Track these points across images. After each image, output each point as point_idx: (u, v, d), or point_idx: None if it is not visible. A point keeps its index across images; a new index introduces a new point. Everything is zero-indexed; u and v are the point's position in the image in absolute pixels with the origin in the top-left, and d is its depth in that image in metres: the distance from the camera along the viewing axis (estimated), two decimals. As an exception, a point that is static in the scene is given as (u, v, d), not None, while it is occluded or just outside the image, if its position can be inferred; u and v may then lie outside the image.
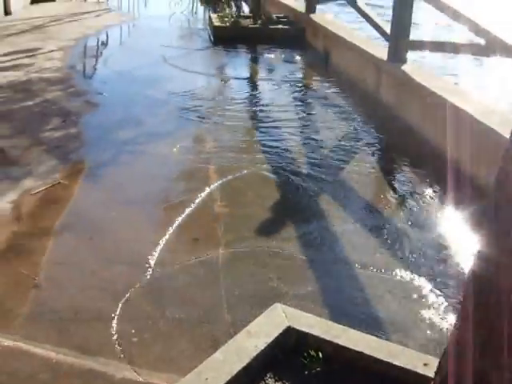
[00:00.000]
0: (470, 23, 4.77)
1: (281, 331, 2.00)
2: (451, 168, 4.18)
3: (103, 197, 3.76)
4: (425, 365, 1.87)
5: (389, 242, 3.26)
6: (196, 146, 4.71)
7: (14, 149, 4.44)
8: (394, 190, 4.03)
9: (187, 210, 3.54)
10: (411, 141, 4.91)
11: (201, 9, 14.58)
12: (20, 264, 2.93)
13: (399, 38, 5.81)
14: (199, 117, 5.36)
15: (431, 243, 3.26)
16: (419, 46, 6.09)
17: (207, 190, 3.83)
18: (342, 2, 8.58)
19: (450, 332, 1.71)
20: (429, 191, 3.96)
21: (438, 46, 5.73)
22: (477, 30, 4.71)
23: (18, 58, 7.55)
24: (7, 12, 11.42)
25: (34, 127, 4.94)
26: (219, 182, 3.97)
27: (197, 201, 3.66)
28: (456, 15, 5.01)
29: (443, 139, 4.45)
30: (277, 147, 4.66)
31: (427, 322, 2.59)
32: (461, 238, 3.34)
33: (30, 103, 5.61)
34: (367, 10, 7.21)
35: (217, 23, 9.52)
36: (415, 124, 5.03)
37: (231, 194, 3.86)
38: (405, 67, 5.64)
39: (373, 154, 4.66)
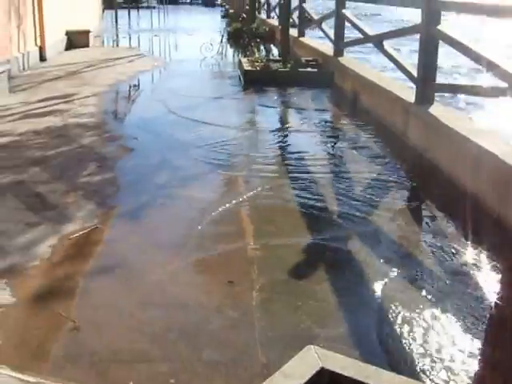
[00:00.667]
0: (494, 67, 4.86)
1: (314, 372, 2.06)
2: (479, 209, 4.24)
3: (139, 240, 3.88)
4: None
5: (419, 285, 3.30)
6: (228, 191, 4.81)
7: (52, 194, 4.61)
8: (424, 232, 4.08)
9: (221, 253, 3.65)
10: (439, 182, 4.98)
11: (231, 52, 14.96)
12: (59, 306, 3.03)
13: (426, 81, 5.95)
14: (231, 163, 5.49)
15: (463, 289, 3.29)
16: (445, 88, 6.21)
17: (240, 234, 3.94)
18: (369, 45, 8.77)
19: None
20: (457, 234, 4.00)
21: (464, 89, 5.83)
22: (500, 73, 4.80)
23: (54, 104, 7.85)
24: (43, 58, 11.87)
25: (71, 172, 5.13)
26: (252, 227, 4.07)
27: (230, 244, 3.76)
28: (479, 58, 5.12)
29: (471, 180, 4.53)
30: (306, 188, 4.76)
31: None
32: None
33: (67, 148, 5.83)
34: (394, 53, 7.38)
35: (247, 67, 9.78)
36: (443, 165, 5.09)
37: (263, 236, 3.95)
38: (432, 109, 5.74)
39: (401, 195, 4.74)
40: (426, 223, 4.25)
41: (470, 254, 3.69)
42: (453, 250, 3.72)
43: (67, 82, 9.61)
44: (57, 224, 4.04)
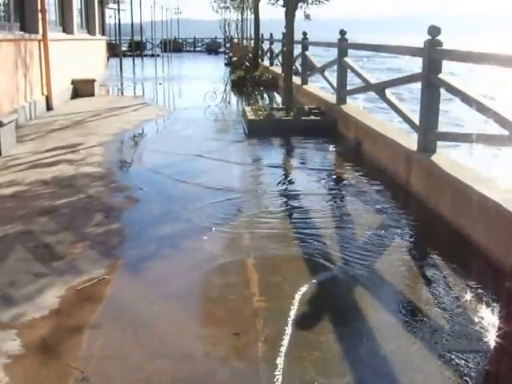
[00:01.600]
0: (495, 115, 4.99)
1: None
2: (483, 258, 4.31)
3: (146, 291, 3.95)
4: None
5: (424, 337, 3.35)
6: (233, 239, 4.89)
7: (59, 244, 4.69)
8: (428, 283, 4.13)
9: (226, 304, 3.72)
10: (442, 231, 5.07)
11: (234, 100, 15.24)
12: (68, 357, 3.09)
13: (428, 129, 6.08)
14: (235, 211, 5.59)
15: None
16: (448, 136, 6.32)
17: (245, 284, 4.01)
18: (371, 93, 8.95)
19: None
20: (462, 284, 4.05)
21: (466, 137, 5.94)
22: (502, 121, 4.92)
23: (61, 154, 8.02)
24: (49, 107, 12.15)
25: (78, 222, 5.23)
26: (257, 277, 4.15)
27: (235, 295, 3.84)
28: (480, 107, 5.25)
29: (474, 228, 4.61)
30: (309, 237, 4.83)
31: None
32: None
33: (74, 198, 5.94)
34: (395, 100, 7.55)
35: (251, 116, 9.97)
36: (446, 214, 5.18)
37: (269, 287, 4.02)
38: (434, 157, 5.86)
39: (404, 246, 4.80)
40: (430, 274, 4.30)
41: (472, 302, 3.74)
42: (458, 303, 3.77)
43: (73, 132, 9.81)
44: (64, 275, 4.11)
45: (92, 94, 15.22)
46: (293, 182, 6.85)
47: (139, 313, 3.62)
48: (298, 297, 3.78)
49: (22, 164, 7.38)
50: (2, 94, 9.58)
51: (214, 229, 5.05)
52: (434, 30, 6.01)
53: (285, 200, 6.03)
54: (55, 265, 4.29)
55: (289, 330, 3.37)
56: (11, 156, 7.75)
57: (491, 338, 3.30)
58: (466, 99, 5.52)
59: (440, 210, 5.31)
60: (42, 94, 11.99)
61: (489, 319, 3.52)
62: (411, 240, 4.95)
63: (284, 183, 6.72)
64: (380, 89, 7.99)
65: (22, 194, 6.09)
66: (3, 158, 7.62)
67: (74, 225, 5.16)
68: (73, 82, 14.89)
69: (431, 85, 6.04)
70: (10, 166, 7.28)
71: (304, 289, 3.90)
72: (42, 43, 11.90)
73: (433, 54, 6.00)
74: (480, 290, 3.88)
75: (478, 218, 4.59)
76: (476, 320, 3.51)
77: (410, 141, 6.60)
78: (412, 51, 7.14)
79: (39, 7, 11.73)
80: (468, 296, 3.83)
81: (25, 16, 11.58)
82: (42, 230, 4.99)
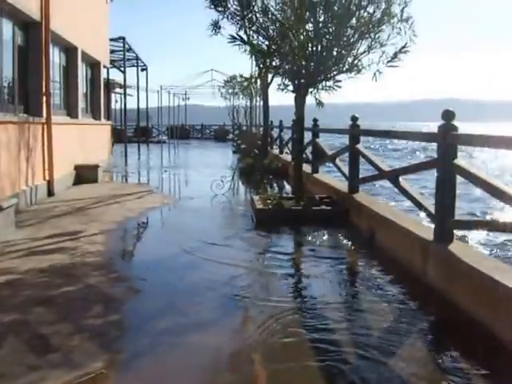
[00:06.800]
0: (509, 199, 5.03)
1: None
2: (506, 353, 4.23)
3: (145, 388, 3.88)
4: None
5: None
6: (238, 336, 4.82)
7: (55, 335, 4.65)
8: (447, 376, 4.04)
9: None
10: (461, 324, 4.99)
11: (242, 189, 15.40)
12: None
13: (444, 218, 6.10)
14: (241, 305, 5.54)
15: None
16: (465, 225, 6.35)
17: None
18: (384, 181, 9.05)
19: None
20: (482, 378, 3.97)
21: (484, 225, 5.96)
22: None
23: (60, 241, 8.07)
24: (51, 193, 12.32)
25: (76, 313, 5.20)
26: (264, 374, 4.08)
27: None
28: (494, 190, 5.30)
29: (498, 323, 4.54)
30: (322, 335, 4.76)
31: None
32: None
33: (73, 288, 5.93)
34: (410, 188, 7.62)
35: (259, 206, 10.03)
36: (465, 306, 5.12)
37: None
38: (451, 247, 5.86)
39: (422, 340, 4.72)
40: (448, 367, 4.21)
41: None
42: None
43: (74, 219, 9.89)
44: (59, 368, 4.05)
45: (95, 180, 15.45)
46: (303, 274, 6.80)
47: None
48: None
49: (19, 250, 7.41)
50: (3, 177, 9.79)
51: (218, 325, 5.00)
52: (448, 115, 6.15)
53: (293, 298, 5.92)
54: (50, 357, 4.24)
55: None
56: (9, 242, 7.81)
57: None
58: (485, 186, 5.55)
59: (459, 302, 5.25)
60: (44, 178, 12.19)
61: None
62: (427, 334, 4.87)
63: (293, 275, 6.68)
64: (393, 176, 8.09)
65: (18, 282, 6.09)
66: (0, 244, 7.66)
67: (72, 315, 5.13)
68: (76, 168, 15.16)
69: (447, 171, 6.10)
70: (6, 252, 7.32)
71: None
72: (45, 126, 12.24)
73: (448, 139, 6.11)
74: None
75: (502, 311, 4.54)
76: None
77: (425, 230, 6.62)
78: (427, 137, 7.28)
79: (44, 90, 12.17)
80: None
81: (29, 99, 11.98)
82: (37, 320, 4.96)
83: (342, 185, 11.12)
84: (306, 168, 13.80)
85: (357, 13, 9.60)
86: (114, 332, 4.79)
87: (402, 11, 9.53)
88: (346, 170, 10.82)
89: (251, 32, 10.80)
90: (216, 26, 11.13)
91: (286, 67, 10.53)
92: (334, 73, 10.14)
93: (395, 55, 9.69)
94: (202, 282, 6.30)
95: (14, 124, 10.42)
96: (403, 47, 9.63)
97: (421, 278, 6.21)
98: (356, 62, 9.97)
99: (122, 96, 28.82)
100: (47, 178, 12.33)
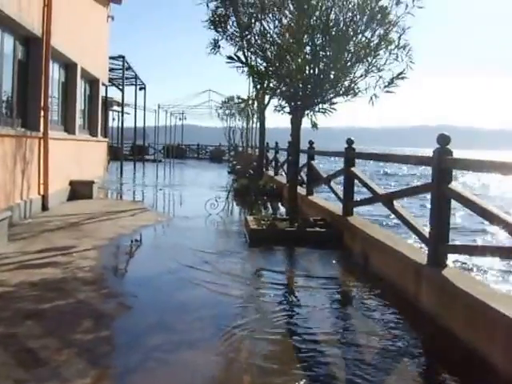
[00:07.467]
0: (507, 226, 5.02)
1: None
2: (500, 380, 4.20)
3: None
4: None
5: None
6: (229, 355, 4.78)
7: (44, 350, 4.60)
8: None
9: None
10: (455, 351, 4.95)
11: (237, 209, 15.38)
12: None
13: (438, 242, 6.09)
14: (231, 326, 5.46)
15: None
16: (459, 249, 6.34)
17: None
18: (378, 204, 9.05)
19: None
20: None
21: (479, 250, 5.95)
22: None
23: (52, 255, 8.04)
24: (45, 207, 12.30)
25: (66, 328, 5.14)
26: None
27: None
28: (491, 217, 5.29)
29: (490, 349, 4.51)
30: (313, 358, 4.73)
31: None
32: None
33: (63, 303, 5.89)
34: (404, 212, 7.61)
35: (253, 226, 10.02)
36: (458, 332, 5.09)
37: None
38: (445, 272, 5.83)
39: (416, 365, 4.68)
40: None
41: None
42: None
43: (67, 234, 9.86)
44: (48, 382, 4.01)
45: (90, 197, 15.42)
46: (295, 298, 6.73)
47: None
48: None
49: (10, 264, 7.37)
50: (-1, 189, 9.73)
51: (208, 343, 4.96)
52: (443, 139, 6.16)
53: (286, 319, 5.85)
54: (38, 371, 4.19)
55: None
56: (0, 255, 7.76)
57: None
58: (480, 211, 5.55)
59: (452, 327, 5.22)
60: (39, 193, 12.16)
61: None
62: (421, 359, 4.83)
63: (285, 299, 6.60)
64: (388, 200, 8.09)
65: (8, 295, 6.05)
66: (-8, 257, 7.62)
67: (61, 330, 5.08)
68: (71, 183, 15.14)
69: (441, 195, 6.11)
70: (-2, 265, 7.28)
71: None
72: (42, 141, 12.25)
73: (443, 163, 6.12)
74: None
75: (495, 337, 4.51)
76: None
77: (419, 254, 6.60)
78: (421, 161, 7.30)
79: (42, 105, 12.18)
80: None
81: (27, 113, 12.00)
82: (26, 334, 4.91)
83: (337, 207, 11.11)
84: (301, 190, 13.81)
85: (354, 37, 9.66)
86: (103, 347, 4.75)
87: (399, 38, 9.61)
88: (340, 192, 10.83)
89: (249, 53, 10.88)
90: (216, 45, 11.22)
91: (283, 89, 10.57)
92: (331, 95, 10.18)
93: (392, 81, 9.73)
94: (193, 300, 6.27)
95: (10, 137, 10.42)
96: (400, 73, 9.67)
97: (414, 302, 6.17)
98: (353, 85, 10.02)
99: (120, 114, 28.90)
100: (42, 192, 12.30)
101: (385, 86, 9.78)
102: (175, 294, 6.61)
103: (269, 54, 10.44)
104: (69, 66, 15.67)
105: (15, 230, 9.69)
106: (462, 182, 39.57)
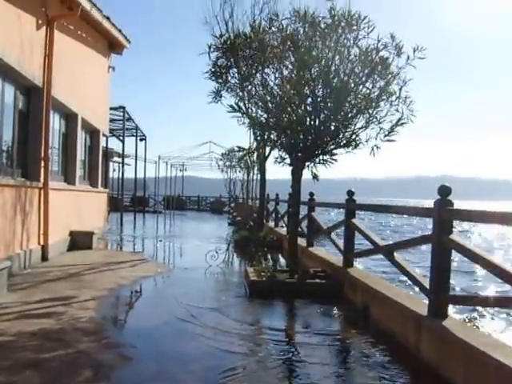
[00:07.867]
0: (502, 272, 5.04)
1: None
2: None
3: None
4: None
5: None
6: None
7: (42, 400, 4.58)
8: None
9: None
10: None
11: (237, 261, 15.38)
12: None
13: (439, 293, 6.10)
14: (232, 376, 5.45)
15: None
16: (460, 300, 6.34)
17: None
18: (379, 256, 9.07)
19: None
20: None
21: (478, 301, 5.96)
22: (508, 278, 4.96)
23: (52, 306, 8.02)
24: (45, 257, 12.29)
25: (65, 378, 5.13)
26: None
27: None
28: (487, 264, 5.32)
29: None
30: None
31: None
32: None
33: (62, 353, 5.86)
34: (404, 263, 7.63)
35: (253, 277, 10.02)
36: (459, 383, 5.06)
37: None
38: (446, 322, 5.83)
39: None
40: None
41: None
42: None
43: (67, 284, 9.84)
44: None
45: (90, 247, 15.42)
46: (295, 351, 6.67)
47: None
48: None
49: (9, 313, 7.35)
50: (-2, 239, 9.76)
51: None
52: (444, 190, 6.23)
53: (285, 373, 5.82)
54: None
55: None
56: (0, 304, 7.74)
57: None
58: (484, 263, 5.56)
59: (452, 378, 5.20)
60: (39, 243, 12.18)
61: None
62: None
63: (286, 353, 6.54)
64: (388, 251, 8.11)
65: (8, 345, 6.03)
66: (-9, 307, 7.61)
67: (61, 380, 5.07)
68: (71, 234, 15.16)
69: (442, 246, 6.14)
70: (-3, 315, 7.26)
71: None
72: (42, 191, 12.32)
73: (443, 214, 6.18)
74: None
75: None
76: None
77: (420, 305, 6.60)
78: (422, 212, 7.35)
79: (42, 155, 12.30)
80: None
81: (27, 163, 12.08)
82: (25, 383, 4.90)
83: (337, 259, 11.12)
84: (301, 242, 13.82)
85: (355, 88, 9.82)
86: (102, 398, 4.73)
87: (400, 90, 9.78)
88: (341, 244, 10.85)
89: (250, 104, 11.04)
90: (217, 94, 11.39)
91: (284, 140, 10.69)
92: (332, 147, 10.30)
93: (392, 129, 9.86)
94: (193, 351, 6.23)
95: (10, 187, 10.49)
96: (399, 119, 9.80)
97: (414, 353, 6.15)
98: (354, 136, 10.15)
99: (120, 165, 29.10)
100: (42, 242, 12.32)
101: (385, 135, 9.90)
102: (175, 344, 6.56)
103: (269, 104, 10.59)
104: (69, 117, 15.83)
105: (15, 280, 9.69)
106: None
